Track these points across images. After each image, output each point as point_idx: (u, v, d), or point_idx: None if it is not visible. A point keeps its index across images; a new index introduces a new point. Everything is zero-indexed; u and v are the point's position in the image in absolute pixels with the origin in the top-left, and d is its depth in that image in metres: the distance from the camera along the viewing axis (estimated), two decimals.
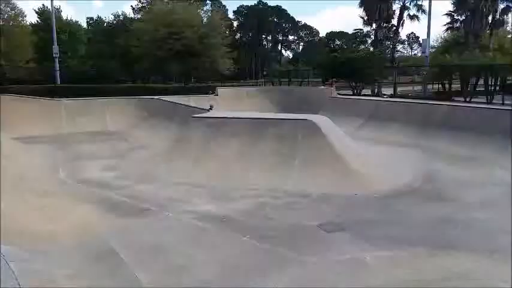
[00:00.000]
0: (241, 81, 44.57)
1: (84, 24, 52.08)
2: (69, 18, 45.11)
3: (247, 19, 74.72)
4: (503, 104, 15.12)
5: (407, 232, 6.31)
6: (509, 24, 45.19)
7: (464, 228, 6.44)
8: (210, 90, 23.21)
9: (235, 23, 74.04)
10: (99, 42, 42.22)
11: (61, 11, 45.01)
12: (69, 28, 42.45)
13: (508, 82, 17.43)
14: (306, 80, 27.77)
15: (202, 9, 44.30)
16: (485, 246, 5.71)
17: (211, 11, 43.46)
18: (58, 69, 31.31)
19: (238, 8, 76.01)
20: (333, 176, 8.82)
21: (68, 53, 39.63)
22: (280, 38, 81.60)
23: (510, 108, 13.64)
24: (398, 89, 24.95)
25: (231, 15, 71.21)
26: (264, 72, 42.60)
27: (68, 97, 18.48)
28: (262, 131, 10.18)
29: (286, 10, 77.36)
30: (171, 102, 17.25)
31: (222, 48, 34.15)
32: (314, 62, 38.79)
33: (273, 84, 28.48)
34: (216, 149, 10.10)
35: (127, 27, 37.91)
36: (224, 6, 62.24)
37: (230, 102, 21.06)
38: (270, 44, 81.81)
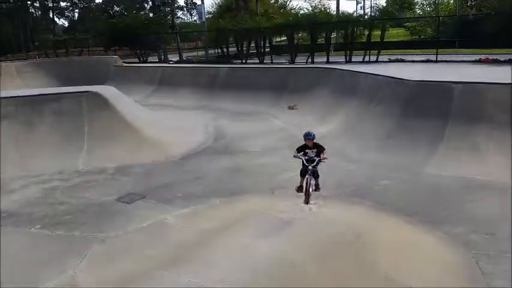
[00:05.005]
0: (9, 55, 37.65)
1: None
2: None
3: None
4: (272, 62, 17.29)
5: (203, 188, 6.75)
6: None
7: (250, 175, 7.29)
8: None
9: None
10: None
11: None
12: None
13: (274, 44, 19.85)
14: (86, 49, 25.56)
15: None
16: (268, 186, 6.65)
17: None
18: None
19: None
20: (127, 147, 8.58)
21: None
22: (50, 4, 71.62)
23: (277, 66, 15.81)
24: (184, 54, 25.57)
25: None
26: (36, 44, 36.81)
27: None
28: (40, 109, 8.98)
29: None
30: None
31: None
32: (93, 30, 35.81)
33: (48, 57, 25.18)
34: None
35: None
36: None
37: None
38: (39, 12, 71.02)
